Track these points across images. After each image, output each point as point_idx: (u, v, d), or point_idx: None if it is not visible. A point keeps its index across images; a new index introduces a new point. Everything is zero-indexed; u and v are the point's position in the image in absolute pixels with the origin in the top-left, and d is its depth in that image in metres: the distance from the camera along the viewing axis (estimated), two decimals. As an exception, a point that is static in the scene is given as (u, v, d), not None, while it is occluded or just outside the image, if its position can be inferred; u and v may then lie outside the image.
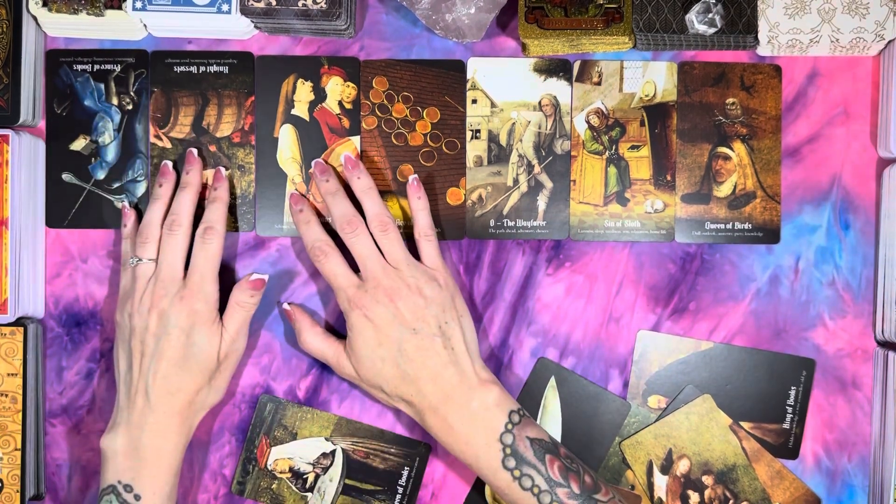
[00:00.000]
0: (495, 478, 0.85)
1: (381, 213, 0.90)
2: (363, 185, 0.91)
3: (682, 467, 0.94)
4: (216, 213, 0.91)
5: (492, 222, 0.95)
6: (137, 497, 0.85)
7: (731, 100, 0.95)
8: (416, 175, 0.93)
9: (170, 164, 0.93)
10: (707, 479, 0.94)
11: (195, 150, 0.93)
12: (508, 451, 0.84)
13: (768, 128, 0.94)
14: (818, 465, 0.94)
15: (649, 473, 0.94)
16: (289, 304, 0.93)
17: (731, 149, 0.94)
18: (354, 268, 0.90)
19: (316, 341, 0.91)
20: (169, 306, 0.87)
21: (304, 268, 0.96)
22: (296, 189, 0.94)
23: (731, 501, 0.93)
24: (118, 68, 0.95)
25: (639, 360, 0.95)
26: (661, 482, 0.94)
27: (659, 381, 0.95)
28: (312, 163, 0.93)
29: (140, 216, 0.93)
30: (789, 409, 0.94)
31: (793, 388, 0.94)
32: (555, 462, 0.84)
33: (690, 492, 0.94)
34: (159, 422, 0.86)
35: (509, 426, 0.85)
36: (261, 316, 0.96)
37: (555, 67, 0.95)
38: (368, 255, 0.89)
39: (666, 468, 0.94)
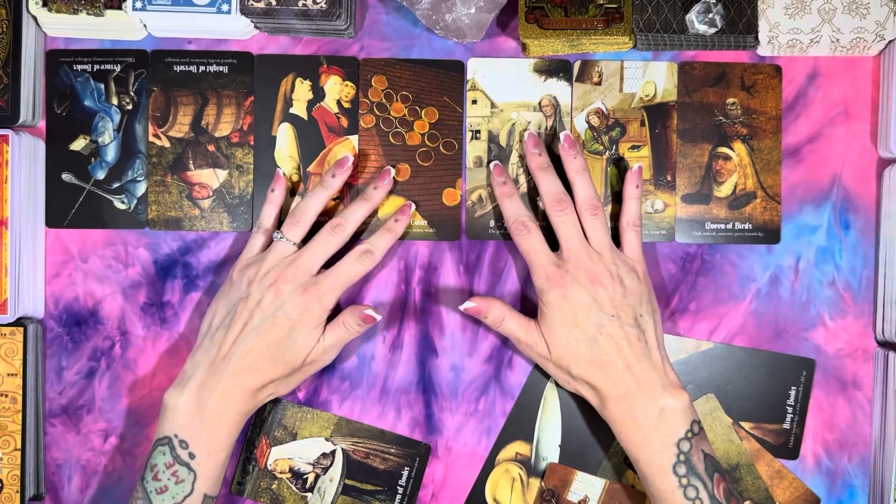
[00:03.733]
0: (661, 480, 0.84)
1: (592, 195, 0.90)
2: (578, 166, 0.91)
3: (682, 468, 0.94)
4: (383, 242, 0.91)
5: (492, 223, 0.95)
6: (192, 455, 0.85)
7: (731, 100, 0.94)
8: (640, 164, 0.92)
9: (350, 158, 0.92)
10: (707, 480, 0.93)
11: (392, 171, 0.93)
12: (682, 457, 0.84)
13: (768, 128, 0.94)
14: (818, 465, 0.94)
15: (650, 474, 0.94)
16: (471, 301, 0.90)
17: (732, 149, 0.94)
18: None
19: (514, 324, 0.90)
20: (289, 293, 0.87)
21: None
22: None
23: (731, 502, 0.93)
24: (118, 68, 0.95)
25: (639, 360, 0.95)
26: (661, 482, 0.94)
27: (659, 382, 0.94)
28: (525, 135, 0.93)
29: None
30: (789, 410, 0.94)
31: (793, 388, 0.94)
32: (721, 483, 0.84)
33: (691, 492, 0.93)
34: (231, 391, 0.86)
35: (689, 434, 0.84)
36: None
37: (555, 68, 0.95)
38: (574, 236, 0.88)
39: (666, 468, 0.94)
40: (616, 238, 0.92)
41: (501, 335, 0.95)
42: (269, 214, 0.93)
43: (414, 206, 0.94)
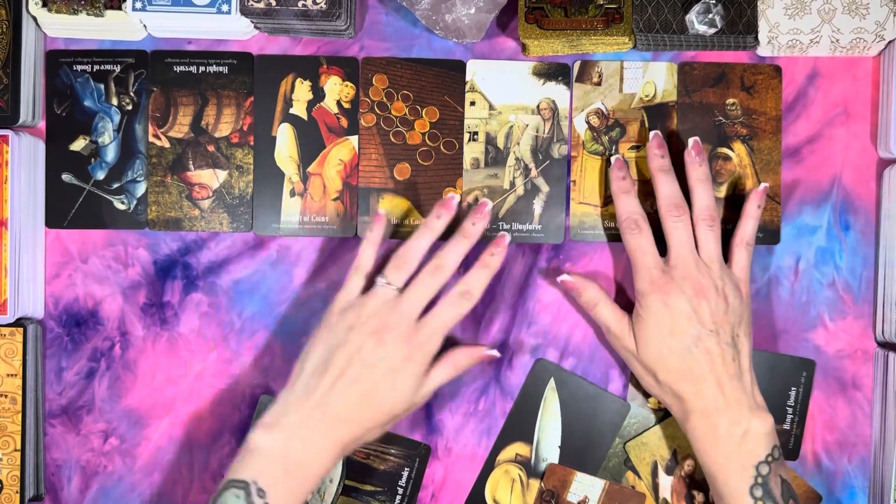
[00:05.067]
0: (737, 501, 0.83)
1: (712, 206, 0.88)
2: (702, 174, 0.89)
3: (687, 467, 0.93)
4: (480, 280, 0.88)
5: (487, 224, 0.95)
6: None
7: (731, 100, 0.94)
8: (766, 184, 0.92)
9: (456, 198, 0.90)
10: (707, 480, 0.93)
11: (490, 204, 0.90)
12: (760, 480, 0.83)
13: (768, 128, 0.94)
14: (818, 466, 0.94)
15: (654, 474, 0.94)
16: (569, 275, 0.91)
17: (732, 149, 0.94)
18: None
19: (607, 311, 0.89)
20: (392, 341, 0.84)
21: (303, 268, 0.96)
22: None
23: (731, 502, 0.93)
24: (118, 69, 0.95)
25: (639, 360, 0.95)
26: (665, 482, 0.94)
27: (659, 382, 0.94)
28: (651, 134, 0.91)
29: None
30: (789, 410, 0.94)
31: (793, 388, 0.94)
32: None
33: (695, 492, 0.93)
34: (321, 443, 0.83)
35: (769, 459, 0.83)
36: (262, 316, 0.96)
37: (554, 71, 0.95)
38: (685, 244, 0.87)
39: (671, 468, 0.93)
40: None
41: (500, 335, 0.95)
42: (368, 256, 0.89)
43: (508, 237, 0.90)
